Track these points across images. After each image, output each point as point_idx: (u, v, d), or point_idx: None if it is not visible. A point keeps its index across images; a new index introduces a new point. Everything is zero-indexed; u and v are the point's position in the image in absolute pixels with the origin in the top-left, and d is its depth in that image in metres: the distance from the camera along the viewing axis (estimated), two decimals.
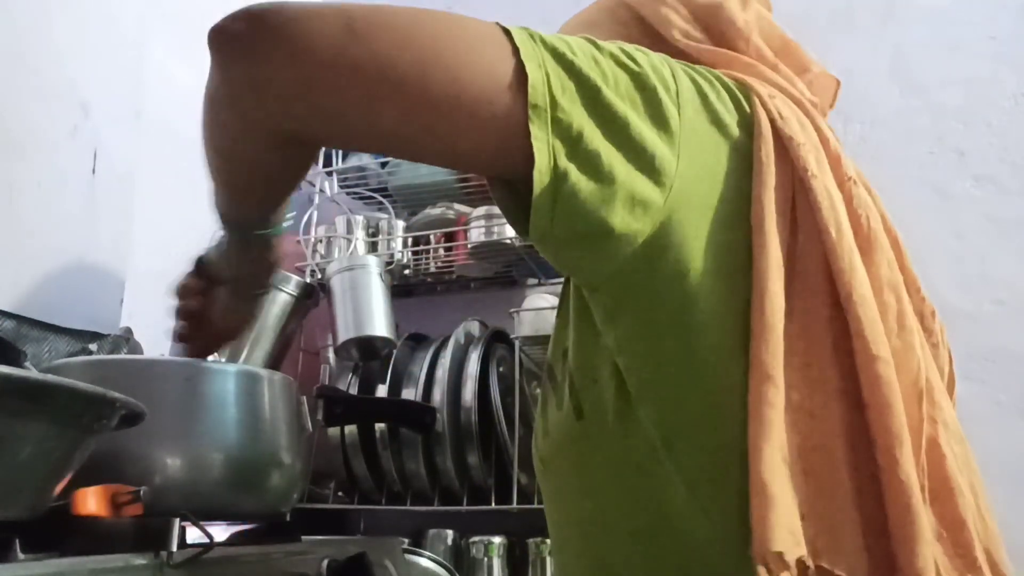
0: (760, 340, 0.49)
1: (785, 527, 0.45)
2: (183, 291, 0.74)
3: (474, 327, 1.50)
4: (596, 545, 0.58)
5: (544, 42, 0.49)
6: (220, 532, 0.76)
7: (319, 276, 1.52)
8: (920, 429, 0.50)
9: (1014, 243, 1.40)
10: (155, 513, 0.59)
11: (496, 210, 1.49)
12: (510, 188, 0.52)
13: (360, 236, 1.59)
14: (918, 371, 0.52)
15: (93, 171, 1.17)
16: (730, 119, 0.55)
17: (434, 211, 1.58)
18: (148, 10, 1.28)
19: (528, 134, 0.46)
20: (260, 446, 0.77)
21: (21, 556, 0.50)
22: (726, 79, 0.59)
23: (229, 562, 0.65)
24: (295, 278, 1.40)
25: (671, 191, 0.50)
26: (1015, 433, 1.31)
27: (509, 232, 1.49)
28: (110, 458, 0.64)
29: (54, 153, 1.11)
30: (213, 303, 0.73)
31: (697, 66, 0.58)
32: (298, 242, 1.57)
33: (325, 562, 0.75)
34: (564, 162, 0.47)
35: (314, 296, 1.43)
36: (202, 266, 0.73)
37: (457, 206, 1.57)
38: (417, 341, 1.51)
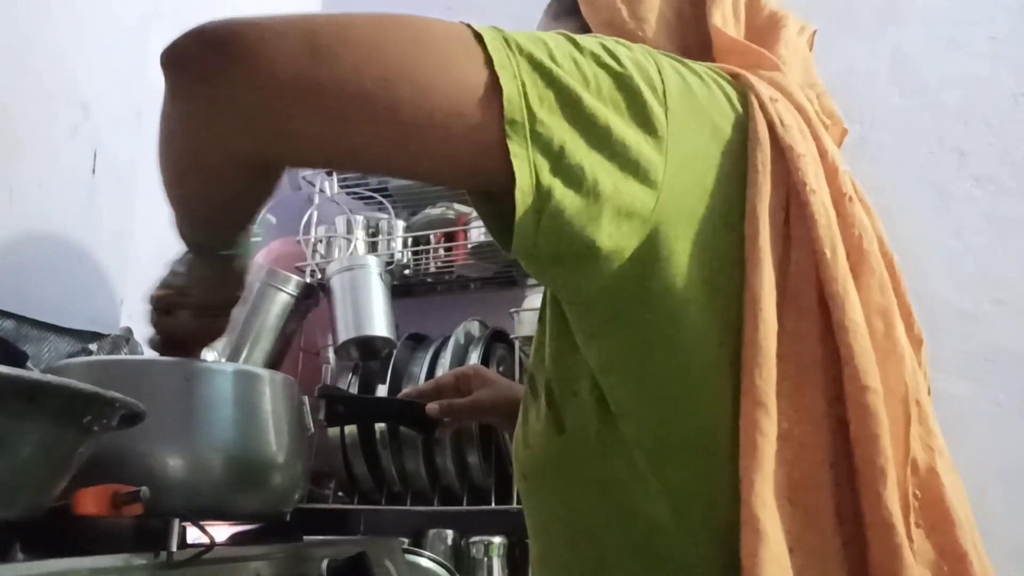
0: (753, 364, 0.47)
1: (775, 563, 0.44)
2: (159, 302, 0.72)
3: (474, 327, 1.50)
4: (582, 561, 0.57)
5: (519, 48, 0.45)
6: (220, 532, 0.76)
7: (319, 276, 1.52)
8: (906, 460, 0.49)
9: (1014, 243, 1.40)
10: (155, 513, 0.59)
11: None
12: (490, 199, 0.49)
13: (360, 236, 1.59)
14: (905, 397, 0.50)
15: (93, 171, 1.17)
16: (723, 121, 0.52)
17: (434, 211, 1.58)
18: (148, 10, 1.28)
19: (506, 150, 0.43)
20: (261, 446, 0.77)
21: (21, 556, 0.50)
22: (721, 77, 0.55)
23: (229, 562, 0.65)
24: (295, 278, 1.40)
25: (659, 200, 0.47)
26: (1015, 433, 1.31)
27: None
28: (110, 458, 0.63)
29: (54, 153, 1.11)
30: (186, 317, 0.72)
31: (688, 61, 0.55)
32: (298, 242, 1.57)
33: (325, 562, 0.75)
34: (548, 179, 0.44)
35: (314, 296, 1.43)
36: (172, 279, 0.71)
37: (457, 206, 1.57)
38: (417, 341, 1.51)
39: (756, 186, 0.50)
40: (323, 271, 1.50)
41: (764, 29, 0.66)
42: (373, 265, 1.46)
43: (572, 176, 0.45)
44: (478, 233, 1.49)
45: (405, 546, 1.12)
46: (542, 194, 0.44)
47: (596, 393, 0.54)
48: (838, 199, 0.54)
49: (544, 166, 0.44)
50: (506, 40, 0.45)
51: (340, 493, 1.46)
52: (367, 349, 1.44)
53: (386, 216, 1.61)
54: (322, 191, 1.65)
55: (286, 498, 0.81)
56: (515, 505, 1.31)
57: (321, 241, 1.60)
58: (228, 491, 0.73)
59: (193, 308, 0.71)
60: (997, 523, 0.53)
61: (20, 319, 1.00)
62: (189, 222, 0.61)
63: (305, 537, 0.82)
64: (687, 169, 0.49)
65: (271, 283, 1.37)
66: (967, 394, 1.33)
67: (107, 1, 1.23)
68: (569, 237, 0.46)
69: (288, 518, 0.84)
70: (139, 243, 1.23)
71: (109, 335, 1.13)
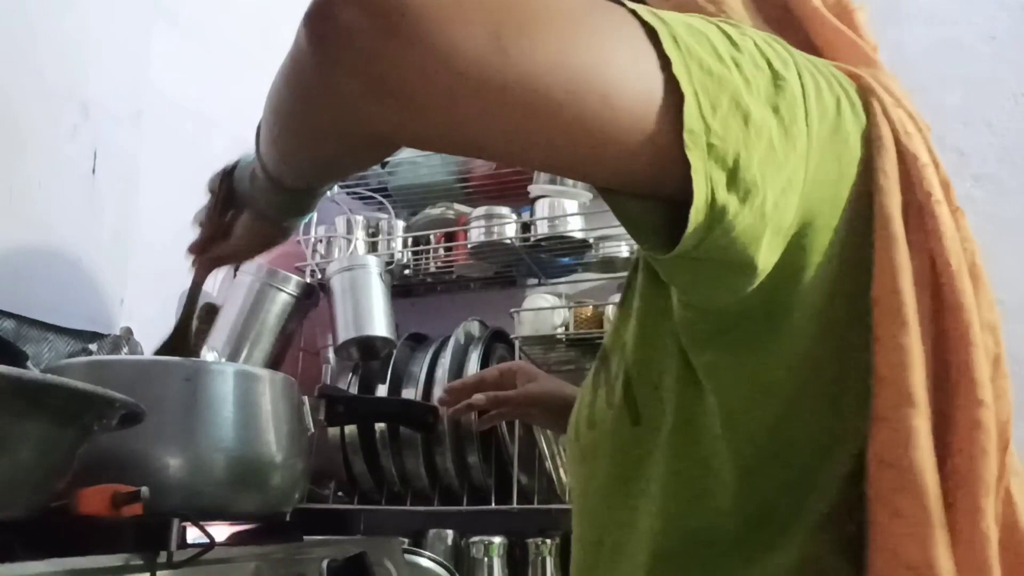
0: (911, 372, 0.46)
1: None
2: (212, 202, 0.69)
3: (474, 327, 1.50)
4: (638, 554, 0.56)
5: (688, 48, 0.42)
6: (220, 532, 0.76)
7: (319, 276, 1.52)
8: (1002, 479, 0.49)
9: (1014, 243, 1.40)
10: (155, 513, 0.59)
11: (496, 210, 1.50)
12: (635, 197, 0.45)
13: (360, 236, 1.59)
14: (1008, 420, 0.50)
15: (93, 171, 1.17)
16: (852, 128, 0.51)
17: (434, 211, 1.58)
18: (149, 10, 1.28)
19: (683, 161, 0.40)
20: (260, 446, 0.77)
21: (21, 556, 0.50)
22: (844, 80, 0.54)
23: (229, 562, 0.65)
24: (295, 278, 1.40)
25: (799, 212, 0.46)
26: (1016, 434, 1.31)
27: (509, 232, 1.49)
28: (110, 458, 0.64)
29: (54, 153, 1.11)
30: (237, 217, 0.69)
31: (814, 59, 0.53)
32: (298, 242, 1.57)
33: (325, 562, 0.75)
34: (723, 195, 0.41)
35: (314, 296, 1.43)
36: (230, 179, 0.68)
37: (457, 206, 1.57)
38: (417, 341, 1.51)
39: (887, 193, 0.49)
40: (323, 271, 1.50)
41: (835, 12, 0.63)
42: (373, 265, 1.46)
43: (744, 192, 0.42)
44: (478, 233, 1.49)
45: (405, 546, 1.12)
46: (716, 211, 0.41)
47: (678, 390, 0.53)
48: (952, 211, 0.53)
49: (720, 181, 0.41)
50: (674, 37, 0.41)
51: (340, 493, 1.46)
52: (367, 349, 1.45)
53: (386, 216, 1.61)
54: None
55: (286, 498, 0.81)
56: (515, 505, 1.31)
57: (321, 241, 1.60)
58: (228, 491, 0.73)
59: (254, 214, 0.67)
60: None
61: (20, 319, 1.00)
62: (281, 164, 0.57)
63: (305, 537, 0.82)
64: (821, 181, 0.48)
65: (271, 283, 1.37)
66: None
67: (108, 1, 1.23)
68: (732, 253, 0.44)
69: (288, 518, 0.84)
70: (139, 243, 1.23)
71: (109, 335, 1.13)
